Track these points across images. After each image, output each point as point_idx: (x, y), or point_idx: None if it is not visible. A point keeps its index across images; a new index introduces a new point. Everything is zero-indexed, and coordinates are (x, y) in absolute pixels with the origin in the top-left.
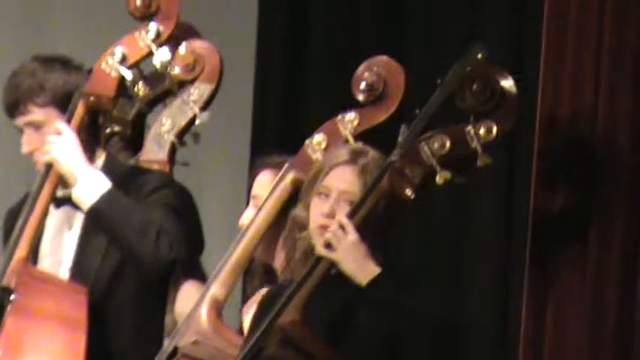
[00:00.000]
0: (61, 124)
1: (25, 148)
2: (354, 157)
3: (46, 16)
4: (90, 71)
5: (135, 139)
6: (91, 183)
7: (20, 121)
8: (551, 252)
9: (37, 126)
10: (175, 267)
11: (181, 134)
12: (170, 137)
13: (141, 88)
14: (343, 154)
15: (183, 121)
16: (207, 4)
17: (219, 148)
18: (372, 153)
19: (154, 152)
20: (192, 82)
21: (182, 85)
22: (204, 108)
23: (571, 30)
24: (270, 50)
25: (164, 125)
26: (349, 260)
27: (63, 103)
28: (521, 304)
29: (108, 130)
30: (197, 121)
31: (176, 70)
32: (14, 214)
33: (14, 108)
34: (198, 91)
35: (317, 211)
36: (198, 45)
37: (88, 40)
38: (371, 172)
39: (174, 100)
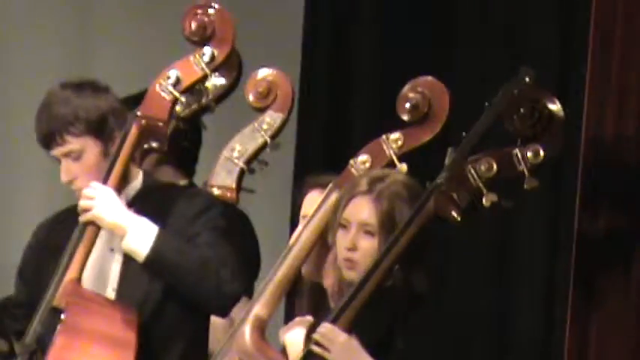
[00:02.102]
0: (94, 183)
1: (64, 178)
2: (371, 185)
3: (94, 41)
4: (141, 95)
5: (178, 156)
6: (139, 232)
7: (57, 151)
8: (595, 275)
9: (75, 156)
10: (240, 298)
11: (250, 161)
12: (240, 163)
13: (178, 105)
14: (361, 183)
15: (253, 148)
16: (252, 25)
17: (263, 168)
18: (392, 177)
19: (222, 178)
20: (263, 109)
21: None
22: (274, 136)
23: (616, 52)
24: (315, 69)
25: (234, 151)
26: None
27: (98, 130)
28: (565, 326)
29: (146, 146)
30: (267, 149)
31: (249, 98)
32: (46, 230)
33: (50, 139)
34: (270, 119)
35: (341, 243)
36: (272, 73)
37: (136, 64)
38: (389, 197)
39: (246, 127)
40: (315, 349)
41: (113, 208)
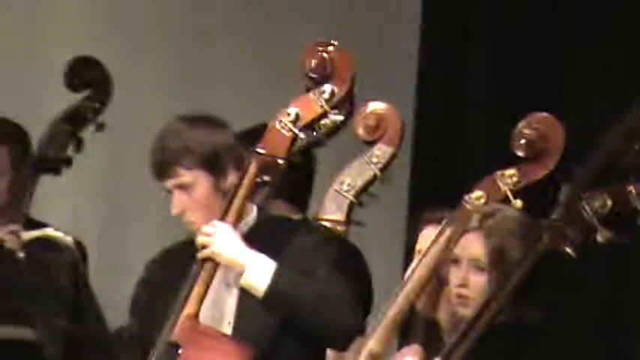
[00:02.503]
0: (214, 222)
1: (174, 210)
2: (482, 221)
3: (203, 76)
4: (254, 131)
5: (290, 190)
6: (258, 268)
7: (169, 183)
8: None
9: (186, 189)
10: (359, 332)
11: (360, 194)
12: (349, 197)
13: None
14: (472, 219)
15: (362, 181)
16: (366, 58)
17: (376, 203)
18: (503, 213)
19: (331, 211)
20: (372, 143)
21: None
22: (384, 169)
23: None
24: (429, 106)
25: (343, 184)
26: None
27: (210, 163)
28: None
29: (258, 180)
30: (377, 182)
31: (359, 131)
32: (158, 265)
33: (162, 170)
34: (380, 152)
35: (453, 279)
36: (381, 107)
37: (248, 100)
38: (500, 232)
39: (356, 160)
40: None
41: (232, 245)
